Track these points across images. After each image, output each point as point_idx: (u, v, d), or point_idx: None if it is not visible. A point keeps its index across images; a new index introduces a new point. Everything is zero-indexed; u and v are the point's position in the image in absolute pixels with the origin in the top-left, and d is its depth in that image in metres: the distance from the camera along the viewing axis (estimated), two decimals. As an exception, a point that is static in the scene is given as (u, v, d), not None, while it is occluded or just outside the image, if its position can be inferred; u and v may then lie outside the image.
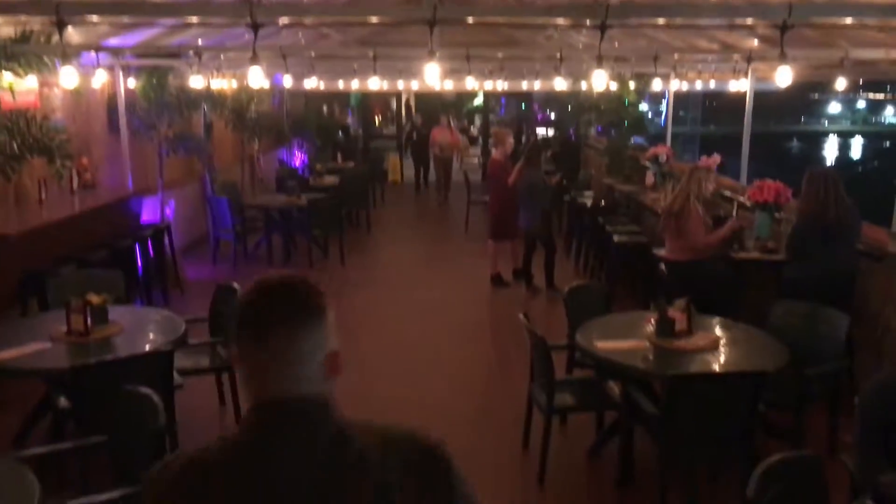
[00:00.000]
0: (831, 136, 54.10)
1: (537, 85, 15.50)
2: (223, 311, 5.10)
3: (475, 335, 7.26)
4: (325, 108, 19.11)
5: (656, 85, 10.32)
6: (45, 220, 6.37)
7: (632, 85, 10.72)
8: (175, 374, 4.26)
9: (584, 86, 11.55)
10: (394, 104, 23.83)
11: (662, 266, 6.26)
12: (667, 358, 4.21)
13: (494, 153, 8.89)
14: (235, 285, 5.11)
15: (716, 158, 6.98)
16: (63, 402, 4.04)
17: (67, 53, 5.26)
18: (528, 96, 22.11)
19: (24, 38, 5.26)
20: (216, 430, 5.17)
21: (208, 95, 9.38)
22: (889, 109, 56.20)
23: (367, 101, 23.07)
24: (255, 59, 4.87)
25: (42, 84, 7.08)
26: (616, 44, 10.76)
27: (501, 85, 16.35)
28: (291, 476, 1.35)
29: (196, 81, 7.80)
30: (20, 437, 4.54)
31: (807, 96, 51.01)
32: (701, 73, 10.02)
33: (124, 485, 3.26)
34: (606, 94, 12.00)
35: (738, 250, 6.11)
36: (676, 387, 3.68)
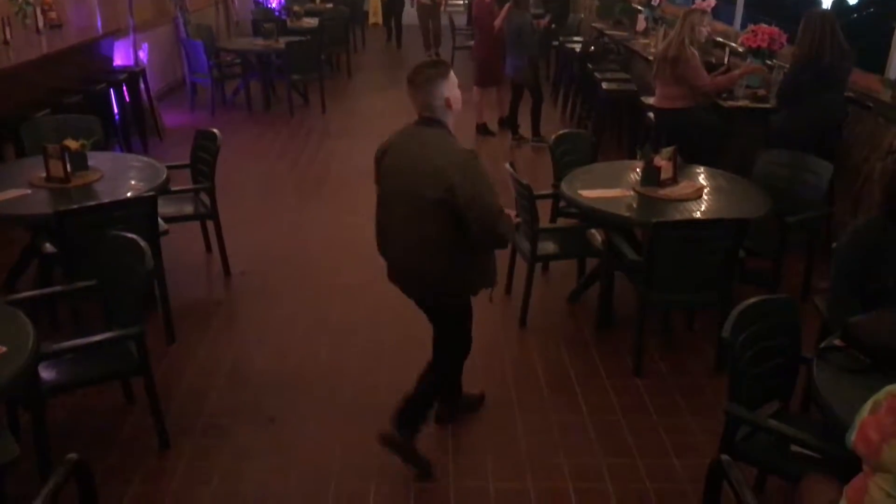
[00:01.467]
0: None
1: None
2: (204, 158, 5.01)
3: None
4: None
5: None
6: (13, 61, 6.09)
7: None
8: (160, 221, 4.25)
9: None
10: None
11: (650, 115, 6.18)
12: (651, 206, 4.23)
13: None
14: (216, 131, 5.00)
15: (710, 1, 6.71)
16: (48, 247, 4.03)
17: None
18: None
19: None
20: (204, 276, 5.26)
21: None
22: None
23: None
24: None
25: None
26: None
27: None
28: (425, 143, 2.98)
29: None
30: (8, 284, 4.57)
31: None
32: None
33: (115, 327, 3.34)
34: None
35: (726, 98, 6.01)
36: (658, 233, 3.73)
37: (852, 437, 1.93)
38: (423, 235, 2.96)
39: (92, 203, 3.86)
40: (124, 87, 7.55)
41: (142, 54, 8.40)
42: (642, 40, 8.91)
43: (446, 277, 3.05)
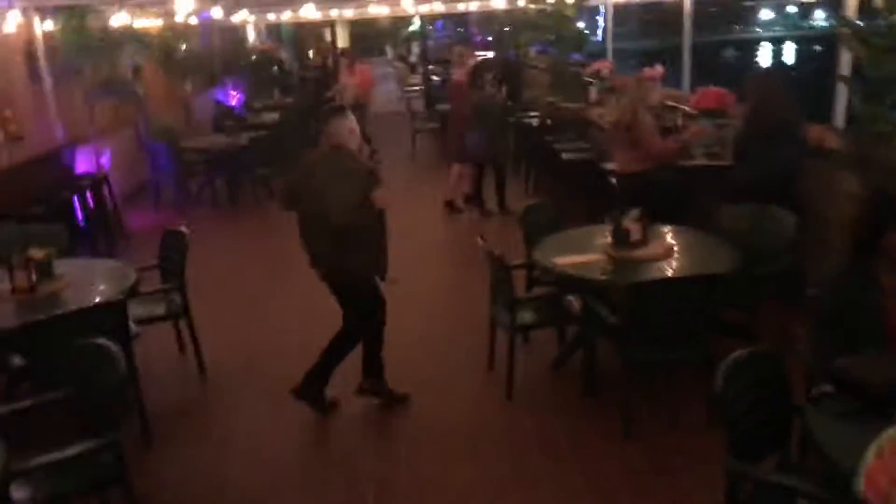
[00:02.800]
0: (764, 42, 54.56)
1: (474, 5, 15.28)
2: (172, 257, 4.97)
3: (431, 261, 7.26)
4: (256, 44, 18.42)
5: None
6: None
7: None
8: (131, 324, 4.16)
9: (521, 1, 11.35)
10: (327, 36, 23.17)
11: (613, 179, 6.30)
12: (624, 268, 4.27)
13: (455, 74, 8.69)
14: (183, 229, 4.97)
15: (658, 69, 6.96)
16: (17, 361, 3.91)
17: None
18: (464, 19, 21.66)
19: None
20: (179, 378, 5.13)
21: (133, 35, 8.92)
22: (818, 13, 56.71)
23: (300, 35, 22.39)
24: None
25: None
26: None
27: (438, 7, 16.03)
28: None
29: (119, 19, 7.39)
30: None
31: (738, 4, 51.03)
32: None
33: (89, 438, 3.21)
34: (544, 11, 11.85)
35: (685, 158, 6.16)
36: (633, 294, 3.75)
37: (860, 486, 1.90)
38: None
39: (59, 312, 3.77)
40: (88, 193, 7.53)
41: (104, 160, 8.43)
42: (596, 110, 9.17)
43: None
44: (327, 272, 4.40)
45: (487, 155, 8.14)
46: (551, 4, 10.77)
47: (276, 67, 16.91)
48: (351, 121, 4.24)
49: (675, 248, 4.45)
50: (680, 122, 7.22)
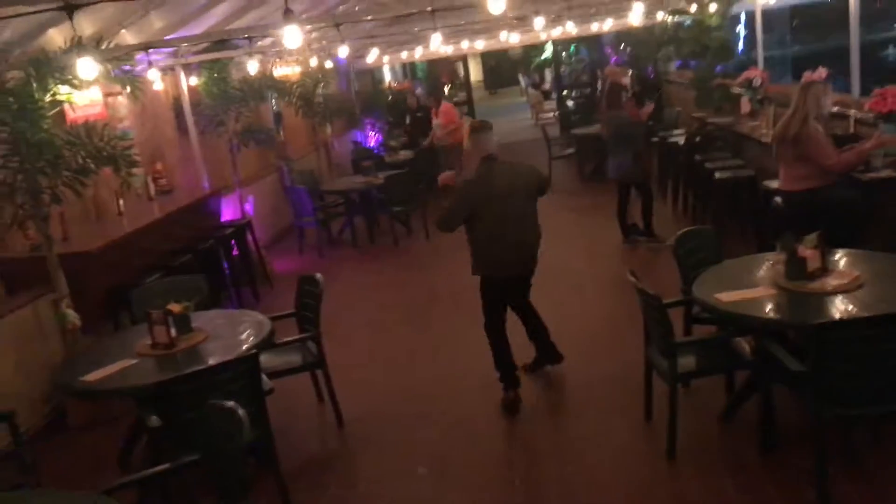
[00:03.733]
0: (933, 36, 49.90)
1: (608, 25, 14.73)
2: (308, 304, 4.84)
3: (577, 299, 6.78)
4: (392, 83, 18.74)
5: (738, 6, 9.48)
6: (124, 231, 6.28)
7: (712, 7, 9.84)
8: (265, 378, 4.02)
9: (660, 16, 10.75)
10: (461, 69, 23.29)
11: (778, 199, 5.62)
12: (804, 303, 3.68)
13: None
14: (318, 276, 4.84)
15: (822, 72, 6.21)
16: (155, 420, 3.86)
17: (118, 58, 5.09)
18: (597, 42, 21.12)
19: (73, 46, 5.07)
20: (317, 430, 4.97)
21: (273, 83, 9.16)
22: None
23: (434, 70, 22.62)
24: (289, 16, 4.33)
25: (106, 94, 7.00)
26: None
27: (571, 29, 15.61)
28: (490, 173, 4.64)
29: (253, 66, 7.56)
30: (123, 459, 4.43)
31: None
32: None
33: (225, 501, 3.05)
34: (683, 23, 11.18)
35: (864, 171, 5.39)
36: (825, 336, 3.15)
37: None
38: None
39: (187, 371, 3.67)
40: (232, 241, 7.69)
41: (248, 207, 8.63)
42: (750, 123, 8.41)
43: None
44: (521, 269, 4.88)
45: (631, 178, 7.61)
46: (692, 15, 10.11)
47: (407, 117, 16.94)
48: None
49: (864, 278, 3.78)
50: (852, 129, 6.41)
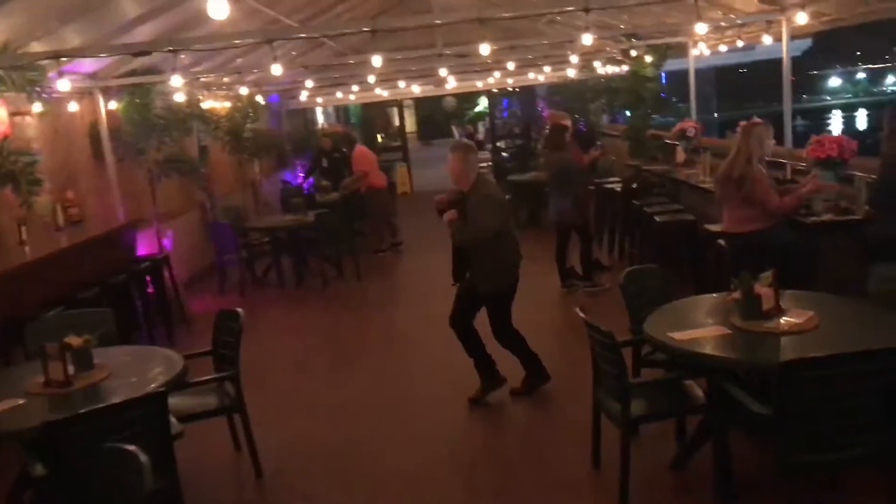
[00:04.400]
0: (834, 110, 52.96)
1: (543, 75, 14.90)
2: (227, 342, 4.39)
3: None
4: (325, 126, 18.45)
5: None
6: (23, 259, 5.71)
7: (647, 58, 9.99)
8: (173, 421, 3.56)
9: (596, 65, 10.85)
10: (395, 118, 23.26)
11: (721, 241, 5.51)
12: (760, 343, 3.48)
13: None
14: (239, 310, 4.41)
15: (758, 120, 6.24)
16: (39, 468, 3.33)
17: (24, 67, 4.63)
18: (531, 96, 21.46)
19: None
20: (233, 481, 4.48)
21: (199, 113, 8.73)
22: (890, 78, 54.88)
23: (368, 115, 22.50)
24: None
25: (13, 113, 6.46)
26: (625, 17, 10.12)
27: (507, 77, 15.75)
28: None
29: (179, 96, 7.14)
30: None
31: (804, 73, 49.88)
32: (723, 35, 9.24)
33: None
34: (618, 75, 11.33)
35: (806, 214, 5.35)
36: (793, 376, 2.93)
37: None
38: None
39: (81, 411, 3.18)
40: (147, 277, 7.15)
41: (166, 241, 8.10)
42: (686, 171, 8.45)
43: None
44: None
45: (571, 221, 7.46)
46: (628, 63, 10.23)
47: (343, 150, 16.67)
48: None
49: (817, 319, 3.62)
50: (789, 176, 6.45)
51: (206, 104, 10.20)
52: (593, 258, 7.80)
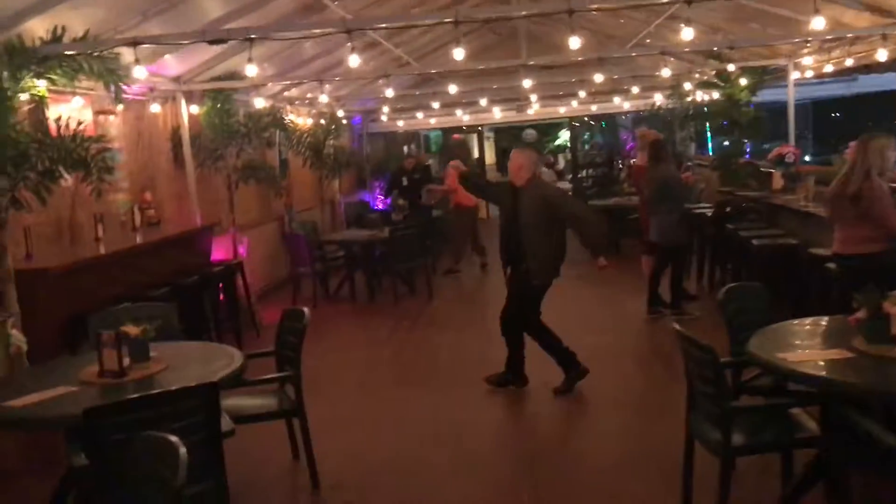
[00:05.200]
0: None
1: (627, 104, 14.45)
2: (290, 342, 4.15)
3: (600, 374, 6.03)
4: (404, 150, 18.41)
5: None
6: (93, 253, 5.66)
7: (743, 81, 9.46)
8: (225, 419, 3.32)
9: (687, 87, 10.38)
10: (475, 149, 23.03)
11: (831, 265, 4.99)
12: (893, 368, 2.98)
13: (638, 158, 7.70)
14: (304, 309, 4.18)
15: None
16: (79, 460, 3.13)
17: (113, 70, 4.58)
18: (613, 127, 21.03)
19: (56, 38, 4.57)
20: (287, 491, 4.20)
21: (280, 123, 8.66)
22: None
23: (448, 144, 22.40)
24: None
25: (97, 112, 6.51)
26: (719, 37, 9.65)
27: (591, 107, 15.37)
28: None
29: (259, 102, 7.07)
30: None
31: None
32: (829, 56, 8.65)
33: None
34: (709, 101, 10.84)
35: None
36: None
37: None
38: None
39: (124, 399, 2.97)
40: (220, 283, 7.05)
41: (241, 249, 8.02)
42: (784, 196, 7.87)
43: None
44: None
45: (674, 240, 6.94)
46: (723, 88, 9.72)
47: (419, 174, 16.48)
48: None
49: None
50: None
51: (289, 117, 10.23)
52: (655, 289, 7.28)
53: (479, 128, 18.49)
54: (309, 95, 10.66)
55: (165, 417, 2.93)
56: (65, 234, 6.10)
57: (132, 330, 3.71)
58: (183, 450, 2.29)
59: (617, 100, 13.50)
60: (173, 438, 2.32)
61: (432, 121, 15.80)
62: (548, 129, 26.24)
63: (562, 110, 15.45)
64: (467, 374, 5.98)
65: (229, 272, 7.26)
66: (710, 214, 8.14)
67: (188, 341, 4.61)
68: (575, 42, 4.51)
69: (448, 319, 8.18)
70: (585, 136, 23.45)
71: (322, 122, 11.10)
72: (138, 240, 6.63)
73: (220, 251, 7.75)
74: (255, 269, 8.66)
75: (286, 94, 10.00)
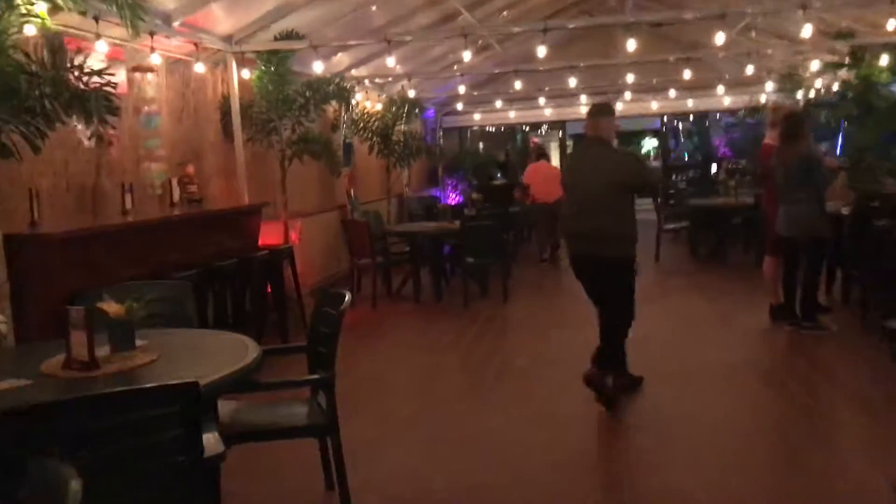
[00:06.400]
0: None
1: (727, 101, 13.07)
2: (323, 334, 3.14)
3: (727, 398, 4.82)
4: (480, 147, 17.39)
5: None
6: (108, 223, 4.82)
7: (883, 60, 8.05)
8: (212, 438, 2.32)
9: (815, 65, 9.03)
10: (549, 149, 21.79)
11: None
12: None
13: (768, 136, 6.39)
14: (345, 292, 3.16)
15: None
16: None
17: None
18: (705, 131, 19.58)
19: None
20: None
21: (345, 96, 7.75)
22: None
23: (527, 146, 21.30)
24: None
25: (133, 69, 5.71)
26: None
27: (683, 105, 14.08)
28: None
29: (318, 66, 6.18)
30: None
31: None
32: None
33: None
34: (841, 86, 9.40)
35: None
36: None
37: None
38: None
39: (38, 402, 1.99)
40: (264, 269, 6.14)
41: (293, 234, 7.11)
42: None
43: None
44: None
45: (815, 230, 5.65)
46: (858, 69, 8.32)
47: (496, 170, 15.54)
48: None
49: None
50: None
51: (356, 98, 9.35)
52: (791, 295, 5.95)
53: (563, 124, 17.11)
54: (378, 80, 9.80)
55: (117, 432, 1.95)
56: (87, 203, 5.28)
57: (111, 307, 2.77)
58: (77, 483, 1.28)
59: (721, 89, 12.08)
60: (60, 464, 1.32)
61: (511, 114, 14.68)
62: (630, 137, 24.76)
63: (654, 106, 14.10)
64: (541, 387, 4.91)
65: (275, 259, 6.34)
66: (844, 212, 6.78)
67: (202, 329, 3.68)
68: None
69: (523, 325, 7.06)
70: (674, 145, 21.95)
71: (393, 109, 10.17)
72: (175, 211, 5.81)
73: (269, 236, 6.84)
74: (310, 260, 7.76)
75: (353, 72, 9.10)
